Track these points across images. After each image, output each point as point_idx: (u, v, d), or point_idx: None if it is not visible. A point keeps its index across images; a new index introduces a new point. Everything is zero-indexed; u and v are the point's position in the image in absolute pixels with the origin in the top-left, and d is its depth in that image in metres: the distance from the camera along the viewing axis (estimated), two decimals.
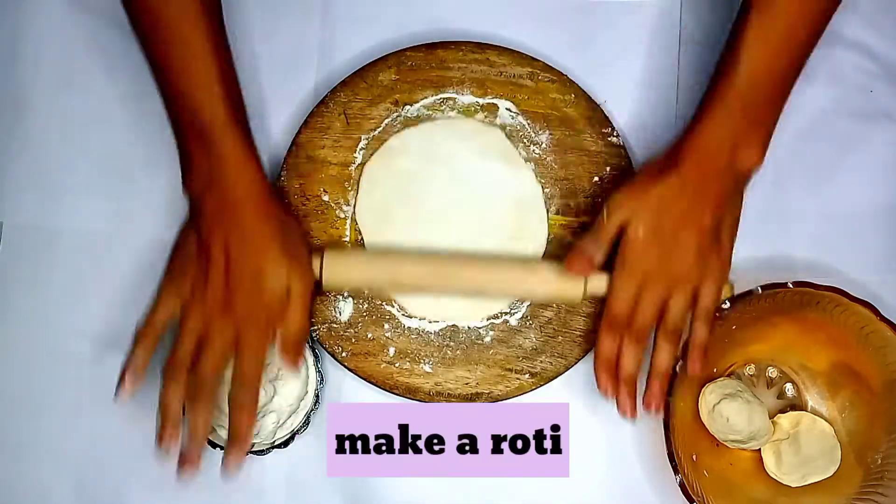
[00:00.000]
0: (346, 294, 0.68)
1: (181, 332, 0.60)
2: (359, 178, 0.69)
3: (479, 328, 0.68)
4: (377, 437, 0.68)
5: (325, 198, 0.69)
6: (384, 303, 0.68)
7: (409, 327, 0.68)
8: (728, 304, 0.63)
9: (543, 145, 0.70)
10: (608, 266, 0.63)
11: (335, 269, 0.64)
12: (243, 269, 0.59)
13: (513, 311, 0.68)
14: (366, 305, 0.68)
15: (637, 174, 0.65)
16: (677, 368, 0.62)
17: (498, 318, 0.68)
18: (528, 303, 0.68)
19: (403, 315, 0.68)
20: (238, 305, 0.59)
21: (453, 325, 0.68)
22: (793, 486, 0.66)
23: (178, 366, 0.60)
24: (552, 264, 0.65)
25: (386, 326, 0.68)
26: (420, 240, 0.69)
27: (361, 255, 0.68)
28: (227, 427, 0.65)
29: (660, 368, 0.62)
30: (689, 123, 0.62)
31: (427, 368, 0.68)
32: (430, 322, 0.68)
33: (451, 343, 0.68)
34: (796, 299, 0.64)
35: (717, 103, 0.60)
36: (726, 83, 0.60)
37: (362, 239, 0.69)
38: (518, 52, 0.70)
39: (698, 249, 0.61)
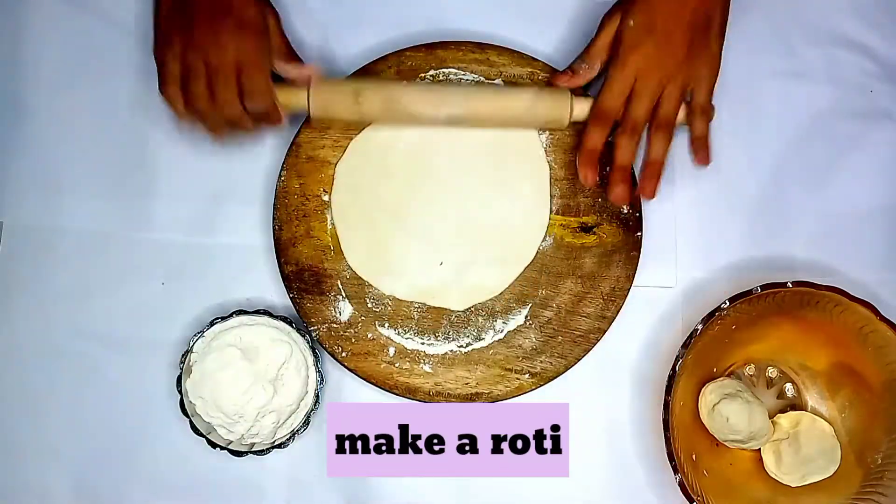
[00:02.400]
0: (344, 295, 0.68)
1: (189, 82, 0.62)
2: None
3: (479, 329, 0.68)
4: (377, 437, 0.68)
5: (325, 198, 0.69)
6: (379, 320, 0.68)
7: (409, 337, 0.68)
8: (727, 304, 0.63)
9: (544, 145, 0.70)
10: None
11: (322, 98, 0.65)
12: (223, 9, 0.62)
13: (513, 315, 0.68)
14: (367, 305, 0.68)
15: None
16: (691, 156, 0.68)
17: (494, 320, 0.68)
18: (529, 304, 0.68)
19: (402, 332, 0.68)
20: (228, 35, 0.62)
21: (452, 327, 0.68)
22: (793, 485, 0.66)
23: (200, 108, 0.63)
24: (539, 89, 0.68)
25: (386, 326, 0.68)
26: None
27: (350, 83, 0.68)
28: (227, 425, 0.65)
29: (654, 157, 0.66)
30: None
31: (427, 368, 0.68)
32: (426, 338, 0.68)
33: (452, 344, 0.68)
34: (796, 299, 0.64)
35: None
36: None
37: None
38: (518, 52, 0.70)
39: (689, 45, 0.64)
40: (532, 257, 0.69)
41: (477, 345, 0.68)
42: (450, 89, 0.68)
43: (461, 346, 0.68)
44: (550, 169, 0.70)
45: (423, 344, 0.68)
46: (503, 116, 0.68)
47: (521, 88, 0.68)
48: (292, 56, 0.66)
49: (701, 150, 0.67)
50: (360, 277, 0.68)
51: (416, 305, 0.68)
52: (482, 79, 0.70)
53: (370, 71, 0.70)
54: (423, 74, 0.70)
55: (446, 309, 0.68)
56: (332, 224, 0.69)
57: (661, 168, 0.66)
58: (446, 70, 0.70)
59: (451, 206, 0.69)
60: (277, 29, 0.65)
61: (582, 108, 0.67)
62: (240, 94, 0.63)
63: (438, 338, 0.68)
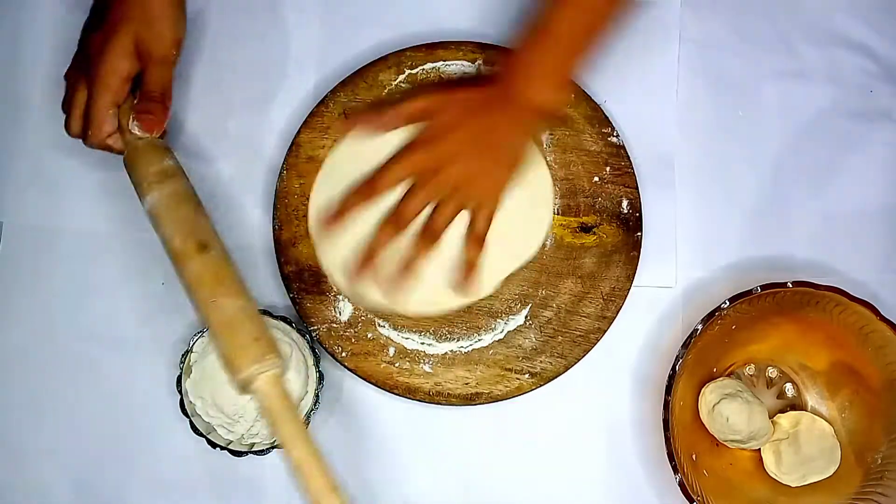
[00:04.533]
0: (344, 295, 0.68)
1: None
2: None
3: (479, 329, 0.68)
4: (377, 436, 0.68)
5: None
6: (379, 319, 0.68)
7: (408, 338, 0.68)
8: (727, 304, 0.63)
9: (544, 145, 0.70)
10: None
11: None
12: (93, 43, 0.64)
13: (513, 315, 0.68)
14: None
15: (450, 81, 0.68)
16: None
17: (494, 321, 0.68)
18: (529, 304, 0.68)
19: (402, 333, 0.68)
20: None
21: (452, 330, 0.68)
22: (793, 485, 0.66)
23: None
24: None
25: (386, 326, 0.68)
26: None
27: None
28: (227, 425, 0.65)
29: (412, 261, 0.62)
30: (501, 56, 0.65)
31: (427, 368, 0.68)
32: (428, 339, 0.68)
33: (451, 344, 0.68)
34: (796, 299, 0.64)
35: (525, 43, 0.63)
36: (537, 29, 0.62)
37: None
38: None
39: (473, 162, 0.62)
40: (531, 256, 0.68)
41: (477, 345, 0.68)
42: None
43: (461, 346, 0.68)
44: (550, 169, 0.70)
45: (423, 344, 0.68)
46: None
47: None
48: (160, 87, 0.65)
49: (468, 279, 0.63)
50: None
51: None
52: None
53: (370, 71, 0.70)
54: (421, 66, 0.70)
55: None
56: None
57: (413, 271, 0.61)
58: (441, 62, 0.70)
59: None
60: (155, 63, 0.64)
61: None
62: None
63: (438, 338, 0.68)
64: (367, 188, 0.62)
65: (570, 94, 0.69)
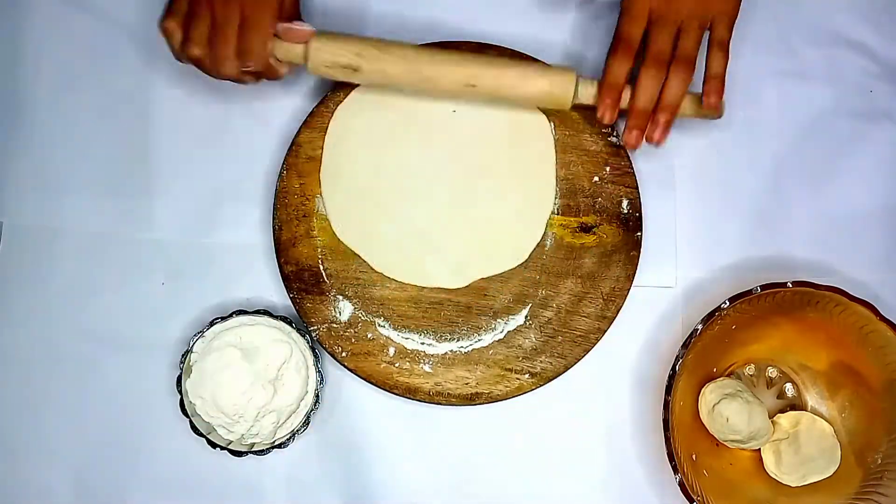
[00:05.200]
0: (344, 295, 0.68)
1: (189, 31, 0.62)
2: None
3: (479, 329, 0.68)
4: (377, 436, 0.68)
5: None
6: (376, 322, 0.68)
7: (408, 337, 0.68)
8: (727, 304, 0.63)
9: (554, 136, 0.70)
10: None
11: (322, 50, 0.64)
12: None
13: (513, 315, 0.68)
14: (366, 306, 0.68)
15: None
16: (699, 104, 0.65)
17: (495, 321, 0.68)
18: (529, 304, 0.68)
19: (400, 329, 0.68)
20: None
21: (453, 328, 0.68)
22: (793, 485, 0.66)
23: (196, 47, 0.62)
24: (544, 65, 0.67)
25: (386, 326, 0.68)
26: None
27: (351, 40, 0.66)
28: (227, 425, 0.65)
29: (669, 100, 0.64)
30: None
31: (427, 368, 0.68)
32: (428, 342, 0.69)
33: (451, 344, 0.68)
34: (796, 299, 0.64)
35: None
36: None
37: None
38: (518, 51, 0.70)
39: None
40: (533, 248, 0.69)
41: (477, 345, 0.68)
42: (452, 56, 0.66)
43: (461, 346, 0.68)
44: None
45: (423, 344, 0.68)
46: (504, 88, 0.65)
47: (526, 63, 0.67)
48: (295, 15, 0.65)
49: (714, 92, 0.64)
50: (359, 276, 0.68)
51: (415, 302, 0.68)
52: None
53: None
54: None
55: (446, 298, 0.68)
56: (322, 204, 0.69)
57: (672, 114, 0.64)
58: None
59: (447, 193, 0.69)
60: None
61: (588, 91, 0.65)
62: (237, 52, 0.62)
63: (438, 338, 0.68)
64: (623, 46, 0.63)
65: None
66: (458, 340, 0.68)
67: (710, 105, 0.65)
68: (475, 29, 0.72)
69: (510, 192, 0.69)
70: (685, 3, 0.64)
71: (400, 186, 0.69)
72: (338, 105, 0.69)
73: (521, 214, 0.69)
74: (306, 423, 0.65)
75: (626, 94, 0.65)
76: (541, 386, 0.67)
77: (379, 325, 0.68)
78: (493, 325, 0.68)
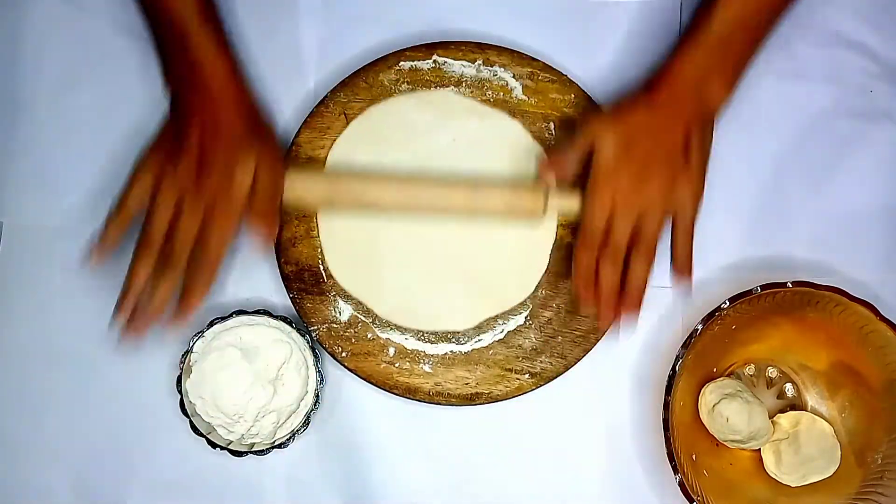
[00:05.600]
0: (344, 295, 0.68)
1: (152, 209, 0.63)
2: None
3: (479, 329, 0.68)
4: (377, 437, 0.68)
5: None
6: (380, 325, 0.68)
7: (407, 338, 0.68)
8: (727, 304, 0.63)
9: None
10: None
11: (295, 187, 0.65)
12: (215, 157, 0.62)
13: (513, 315, 0.68)
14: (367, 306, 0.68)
15: (614, 103, 0.67)
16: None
17: (495, 321, 0.68)
18: (529, 304, 0.68)
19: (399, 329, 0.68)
20: (208, 188, 0.62)
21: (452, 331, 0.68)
22: (793, 485, 0.66)
23: (149, 241, 0.63)
24: (513, 181, 0.68)
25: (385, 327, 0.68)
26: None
27: (323, 176, 0.68)
28: (227, 425, 0.65)
29: (635, 283, 0.64)
30: (665, 58, 0.65)
31: (427, 368, 0.68)
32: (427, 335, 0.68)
33: (451, 344, 0.68)
34: (796, 299, 0.64)
35: (692, 40, 0.64)
36: (703, 23, 0.64)
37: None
38: (518, 52, 0.70)
39: (668, 170, 0.64)
40: (539, 278, 0.69)
41: (477, 345, 0.68)
42: (421, 185, 0.67)
43: (461, 347, 0.68)
44: None
45: (423, 344, 0.68)
46: (476, 206, 0.67)
47: (493, 182, 0.68)
48: (268, 209, 0.64)
49: (681, 274, 0.65)
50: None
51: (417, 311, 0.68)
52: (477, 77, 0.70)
53: (370, 71, 0.70)
54: (419, 64, 0.70)
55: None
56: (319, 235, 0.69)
57: (641, 295, 0.64)
58: (441, 59, 0.70)
59: (447, 231, 0.69)
60: (267, 179, 0.64)
61: (561, 203, 0.66)
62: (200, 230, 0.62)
63: (438, 338, 0.68)
64: (588, 239, 0.64)
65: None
66: (457, 340, 0.68)
67: (680, 288, 0.67)
68: (476, 29, 0.72)
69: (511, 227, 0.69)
70: (648, 194, 0.63)
71: (399, 228, 0.69)
72: (342, 108, 0.70)
73: (525, 244, 0.69)
74: (306, 423, 0.65)
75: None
76: (541, 386, 0.67)
77: (378, 325, 0.68)
78: (493, 325, 0.68)
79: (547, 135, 0.70)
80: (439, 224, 0.68)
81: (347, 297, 0.68)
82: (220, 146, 0.62)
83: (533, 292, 0.68)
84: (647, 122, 0.64)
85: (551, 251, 0.69)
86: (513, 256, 0.69)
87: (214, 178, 0.62)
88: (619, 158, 0.63)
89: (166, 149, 0.64)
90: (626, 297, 0.64)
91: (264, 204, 0.63)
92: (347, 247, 0.69)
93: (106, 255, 0.64)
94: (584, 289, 0.64)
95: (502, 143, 0.70)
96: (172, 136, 0.64)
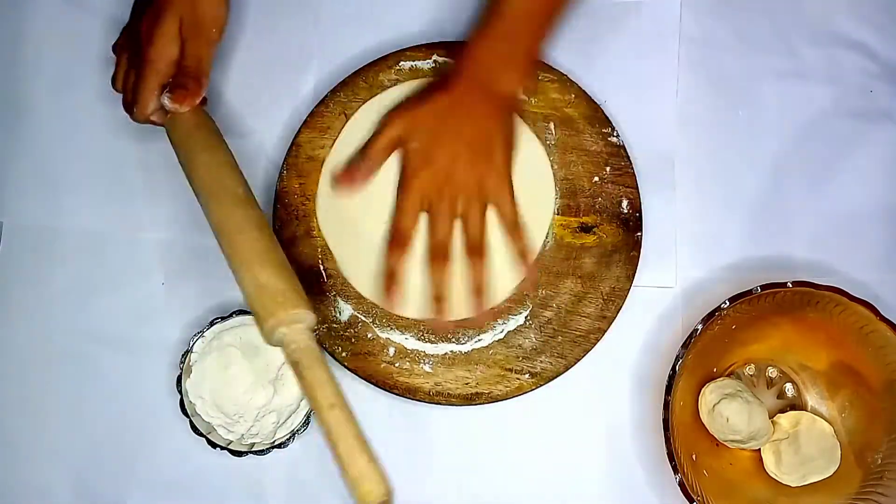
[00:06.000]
0: (344, 295, 0.68)
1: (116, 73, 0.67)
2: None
3: (479, 329, 0.68)
4: (377, 437, 0.68)
5: None
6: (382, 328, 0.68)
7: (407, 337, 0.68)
8: (727, 304, 0.63)
9: (546, 145, 0.70)
10: None
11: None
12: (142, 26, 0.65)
13: (513, 315, 0.68)
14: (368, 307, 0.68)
15: (411, 96, 0.67)
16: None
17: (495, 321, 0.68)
18: (529, 304, 0.68)
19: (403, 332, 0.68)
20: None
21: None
22: (793, 485, 0.66)
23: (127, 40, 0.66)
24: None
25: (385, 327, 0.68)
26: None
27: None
28: (227, 425, 0.65)
29: (474, 285, 0.64)
30: (458, 51, 0.66)
31: (427, 368, 0.68)
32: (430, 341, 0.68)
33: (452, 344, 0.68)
34: (796, 299, 0.64)
35: (482, 33, 0.65)
36: (493, 15, 0.64)
37: None
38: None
39: (470, 163, 0.64)
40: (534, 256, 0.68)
41: (477, 345, 0.68)
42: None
43: (461, 346, 0.68)
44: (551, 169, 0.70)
45: (423, 344, 0.68)
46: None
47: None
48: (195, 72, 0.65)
49: (524, 267, 0.65)
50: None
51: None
52: None
53: (370, 71, 0.70)
54: (419, 64, 0.70)
55: None
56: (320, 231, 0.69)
57: (483, 296, 0.64)
58: (441, 59, 0.70)
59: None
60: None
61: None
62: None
63: (438, 338, 0.68)
64: (397, 239, 0.64)
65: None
66: (457, 340, 0.68)
67: (526, 276, 0.66)
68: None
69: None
70: (458, 185, 0.63)
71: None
72: (342, 108, 0.70)
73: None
74: (306, 423, 0.65)
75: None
76: (541, 386, 0.67)
77: (378, 325, 0.68)
78: (492, 325, 0.68)
79: (547, 134, 0.70)
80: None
81: (347, 297, 0.68)
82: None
83: (534, 293, 0.68)
84: (446, 119, 0.64)
85: (548, 251, 0.69)
86: (505, 256, 0.68)
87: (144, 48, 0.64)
88: (422, 155, 0.64)
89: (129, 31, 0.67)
90: (474, 298, 0.64)
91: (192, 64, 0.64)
92: (354, 245, 0.68)
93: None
94: (392, 288, 0.64)
95: None
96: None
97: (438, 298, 0.64)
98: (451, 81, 0.65)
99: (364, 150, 0.66)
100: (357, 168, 0.66)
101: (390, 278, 0.65)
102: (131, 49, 0.65)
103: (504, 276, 0.67)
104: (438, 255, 0.64)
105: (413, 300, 0.67)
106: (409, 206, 0.64)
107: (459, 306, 0.67)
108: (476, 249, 0.64)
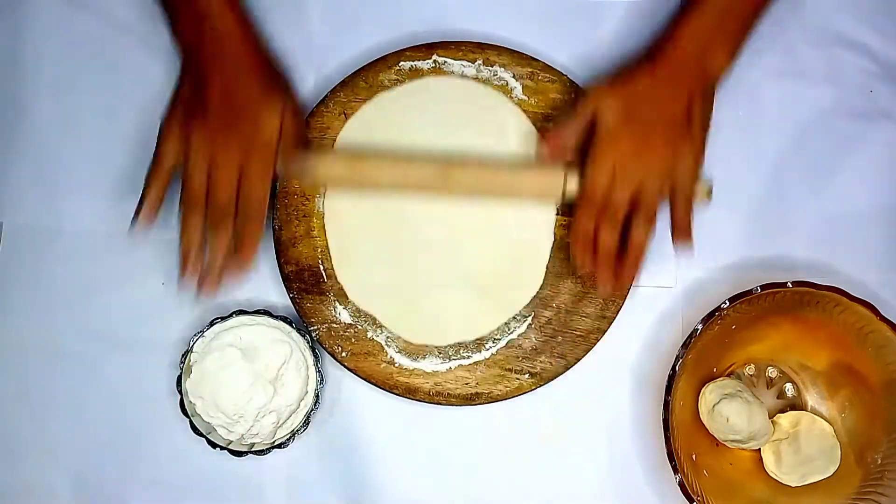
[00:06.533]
0: (345, 296, 0.68)
1: (188, 167, 0.63)
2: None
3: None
4: (377, 437, 0.68)
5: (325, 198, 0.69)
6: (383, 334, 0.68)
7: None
8: (727, 304, 0.63)
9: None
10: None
11: (315, 167, 0.66)
12: (241, 107, 0.63)
13: (514, 325, 0.68)
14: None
15: (614, 73, 0.67)
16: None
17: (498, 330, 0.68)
18: (532, 312, 0.68)
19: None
20: (239, 139, 0.63)
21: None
22: (792, 485, 0.66)
23: (194, 197, 0.63)
24: (531, 165, 0.67)
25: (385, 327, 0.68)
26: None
27: (339, 157, 0.67)
28: (227, 425, 0.65)
29: (636, 243, 0.64)
30: (665, 28, 0.66)
31: (427, 368, 0.68)
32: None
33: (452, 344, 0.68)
34: (796, 299, 0.64)
35: (693, 11, 0.65)
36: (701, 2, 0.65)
37: None
38: (518, 52, 0.70)
39: (669, 138, 0.64)
40: (535, 292, 0.69)
41: (480, 352, 0.68)
42: (436, 164, 0.66)
43: (463, 350, 0.68)
44: None
45: (422, 344, 0.68)
46: (494, 188, 0.67)
47: (513, 164, 0.67)
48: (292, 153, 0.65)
49: (681, 237, 0.65)
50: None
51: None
52: (478, 78, 0.70)
53: (370, 71, 0.70)
54: (419, 64, 0.70)
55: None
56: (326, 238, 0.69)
57: (641, 254, 0.64)
58: (441, 59, 0.70)
59: (441, 230, 0.69)
60: (292, 126, 0.65)
61: (575, 186, 0.66)
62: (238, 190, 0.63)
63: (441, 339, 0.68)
64: (587, 203, 0.64)
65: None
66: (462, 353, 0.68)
67: (679, 248, 0.66)
68: (476, 29, 0.72)
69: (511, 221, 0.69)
70: (649, 161, 0.64)
71: (398, 231, 0.69)
72: (342, 108, 0.70)
73: (525, 246, 0.69)
74: (306, 423, 0.65)
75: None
76: (541, 386, 0.67)
77: (379, 325, 0.68)
78: (498, 334, 0.68)
79: None
80: (439, 224, 0.68)
81: (346, 299, 0.68)
82: (244, 96, 0.63)
83: (534, 294, 0.68)
84: (649, 92, 0.64)
85: (551, 252, 0.69)
86: (514, 259, 0.68)
87: (244, 128, 0.63)
88: (622, 126, 0.64)
89: (186, 105, 0.64)
90: (626, 259, 0.64)
91: (292, 149, 0.65)
92: (360, 265, 0.68)
93: (151, 217, 0.64)
94: (582, 251, 0.65)
95: (501, 128, 0.70)
96: (191, 92, 0.64)
97: (606, 255, 0.64)
98: (656, 58, 0.65)
99: (564, 121, 0.66)
100: (556, 134, 0.66)
101: (577, 240, 0.65)
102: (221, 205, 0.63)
103: (521, 286, 0.68)
104: (610, 217, 0.64)
105: (419, 327, 0.68)
106: (600, 175, 0.64)
107: (455, 328, 0.67)
108: (646, 213, 0.64)
